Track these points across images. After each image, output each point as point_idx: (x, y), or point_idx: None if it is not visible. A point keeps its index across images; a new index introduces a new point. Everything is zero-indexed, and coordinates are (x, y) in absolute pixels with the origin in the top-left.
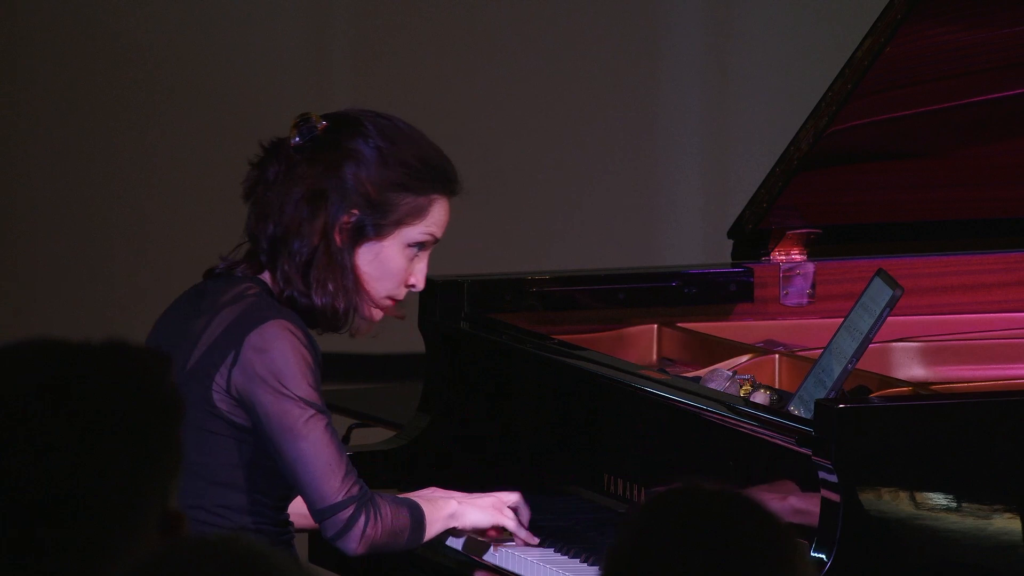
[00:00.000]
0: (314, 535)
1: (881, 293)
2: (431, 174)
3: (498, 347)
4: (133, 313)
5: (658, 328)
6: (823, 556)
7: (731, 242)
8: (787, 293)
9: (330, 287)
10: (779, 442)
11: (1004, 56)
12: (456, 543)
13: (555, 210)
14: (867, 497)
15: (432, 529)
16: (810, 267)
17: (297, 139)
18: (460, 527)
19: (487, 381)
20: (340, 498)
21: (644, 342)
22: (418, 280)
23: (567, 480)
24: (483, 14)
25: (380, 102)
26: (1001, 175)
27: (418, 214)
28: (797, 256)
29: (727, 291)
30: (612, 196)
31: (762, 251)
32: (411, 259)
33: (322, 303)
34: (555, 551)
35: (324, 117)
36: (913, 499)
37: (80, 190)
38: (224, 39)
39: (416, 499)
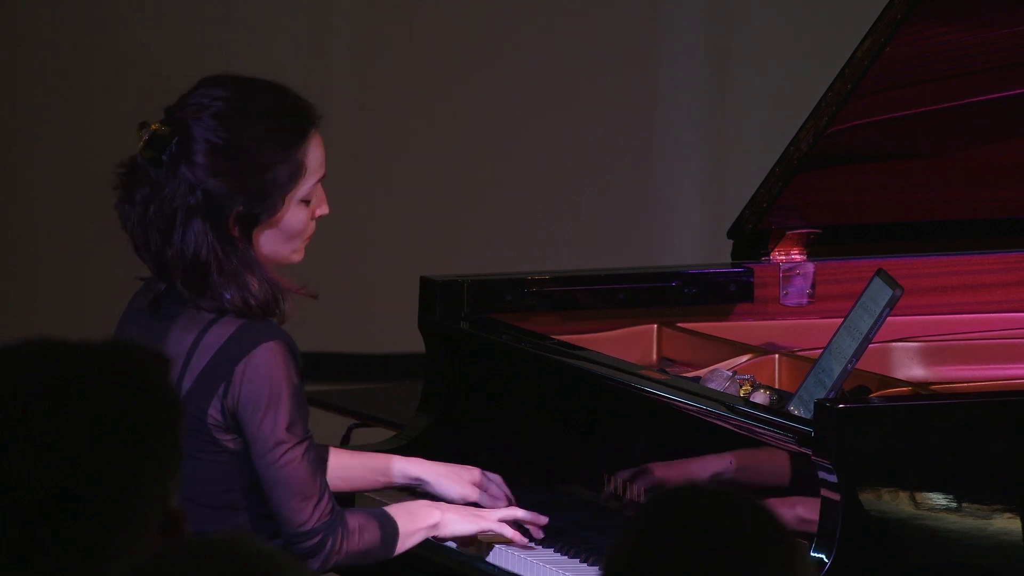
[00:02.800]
0: None
1: (881, 293)
2: (288, 129)
3: (498, 347)
4: None
5: (658, 328)
6: (823, 556)
7: (731, 242)
8: (787, 293)
9: (236, 287)
10: (779, 442)
11: (1004, 56)
12: (452, 542)
13: (555, 210)
14: (867, 497)
15: (409, 541)
16: (810, 267)
17: (150, 153)
18: (443, 536)
19: (487, 381)
20: (309, 526)
21: (644, 342)
22: (324, 209)
23: (567, 480)
24: (483, 14)
25: (380, 102)
26: (1001, 175)
27: (297, 174)
28: (797, 256)
29: (727, 291)
30: (612, 196)
31: (762, 251)
32: (310, 203)
33: (238, 303)
34: (555, 551)
35: (164, 123)
36: (913, 499)
37: (80, 190)
38: (224, 39)
39: (395, 510)
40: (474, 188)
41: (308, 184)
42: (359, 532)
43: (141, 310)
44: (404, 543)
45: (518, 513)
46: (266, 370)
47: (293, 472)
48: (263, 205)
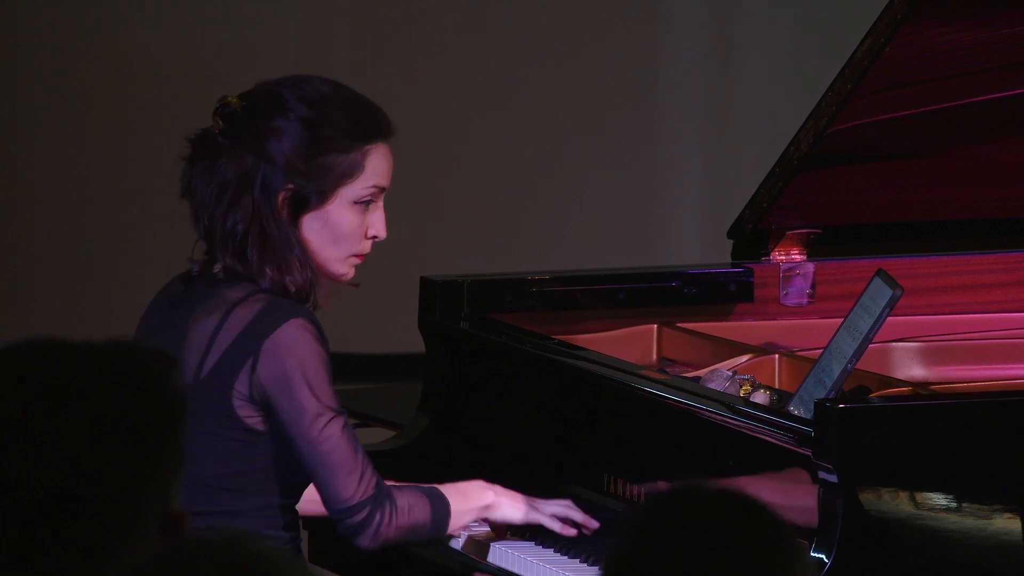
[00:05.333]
0: (315, 535)
1: (881, 293)
2: (358, 129)
3: (498, 347)
4: (133, 314)
5: (658, 328)
6: (823, 556)
7: (731, 242)
8: (787, 293)
9: (275, 266)
10: (779, 442)
11: (1004, 56)
12: (456, 543)
13: (555, 210)
14: (867, 497)
15: (460, 520)
16: (810, 267)
17: (222, 125)
18: (493, 519)
19: (487, 381)
20: (355, 500)
21: (644, 342)
22: (378, 230)
23: (567, 480)
24: (483, 14)
25: (380, 101)
26: (1001, 175)
27: (354, 171)
28: (797, 256)
29: (727, 291)
30: (612, 196)
31: (762, 251)
32: (363, 214)
33: (287, 278)
34: (555, 551)
35: (241, 97)
36: (913, 499)
37: (80, 190)
38: (224, 39)
39: (448, 489)
40: (474, 188)
41: (360, 186)
42: (408, 509)
43: (168, 299)
44: (456, 522)
45: (571, 513)
46: (294, 346)
47: (335, 446)
48: (310, 188)
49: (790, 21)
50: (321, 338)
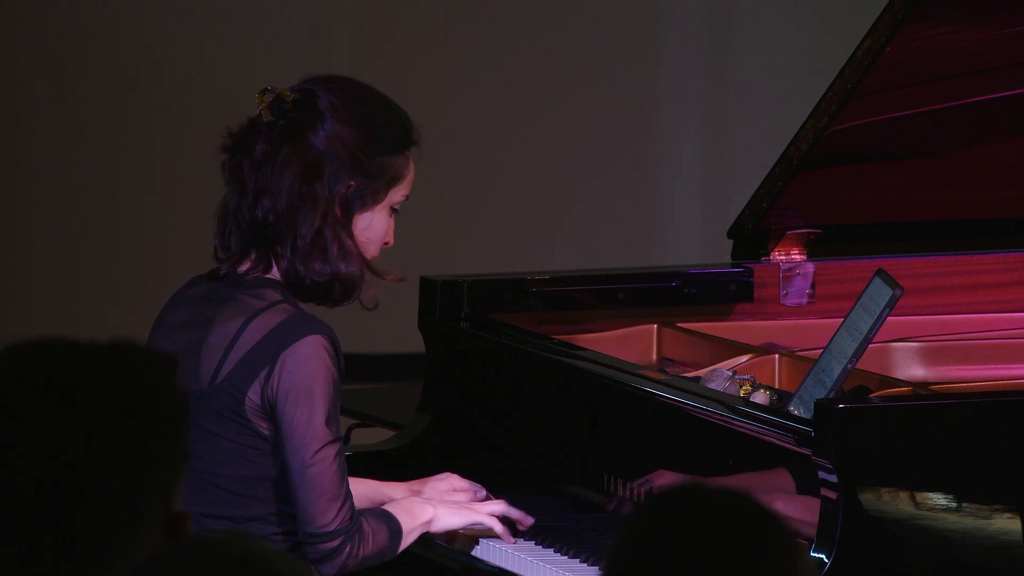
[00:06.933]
0: None
1: (881, 293)
2: (403, 132)
3: (498, 347)
4: (133, 313)
5: (658, 328)
6: (823, 556)
7: (731, 242)
8: (787, 293)
9: (343, 258)
10: (779, 442)
11: (1004, 56)
12: (467, 547)
13: (555, 210)
14: (867, 497)
15: (409, 539)
16: (810, 267)
17: (272, 116)
18: (435, 531)
19: (487, 381)
20: (331, 528)
21: (644, 342)
22: (391, 238)
23: (567, 480)
24: (483, 14)
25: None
26: (1001, 175)
27: (401, 175)
28: (797, 256)
29: (727, 291)
30: (612, 196)
31: (762, 251)
32: (390, 219)
33: (343, 272)
34: (555, 551)
35: (292, 90)
36: (913, 499)
37: (80, 190)
38: (224, 39)
39: (395, 510)
40: (474, 188)
41: (402, 191)
42: (372, 536)
43: (191, 296)
44: (406, 541)
45: (509, 511)
46: (308, 362)
47: (324, 472)
48: (369, 186)
49: (790, 21)
50: (336, 358)
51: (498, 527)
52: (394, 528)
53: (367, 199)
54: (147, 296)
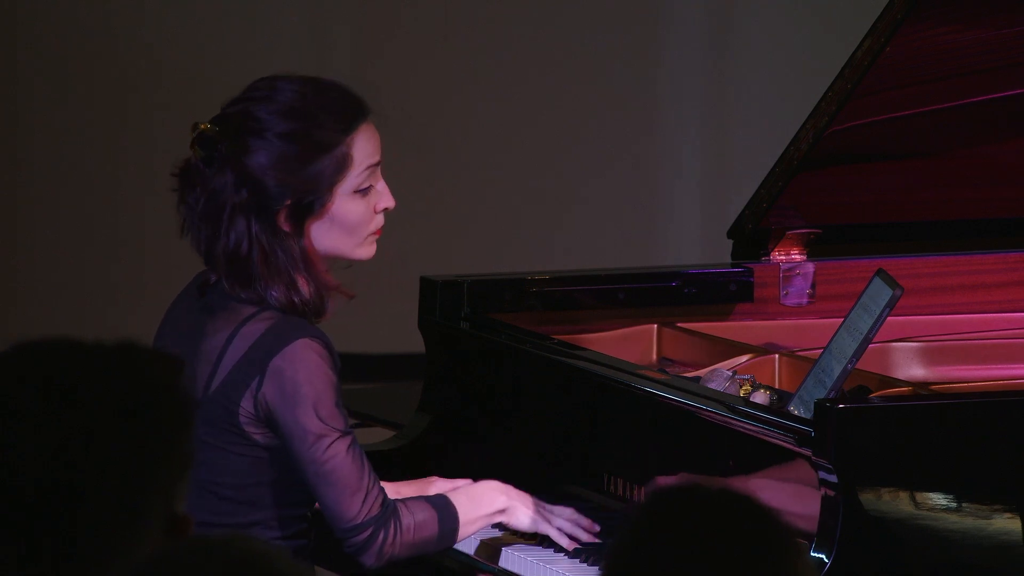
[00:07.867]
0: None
1: (881, 293)
2: (336, 121)
3: (498, 347)
4: (133, 313)
5: (658, 328)
6: (823, 556)
7: (731, 242)
8: (787, 293)
9: (282, 285)
10: (779, 442)
11: (1004, 56)
12: (467, 546)
13: (555, 210)
14: (867, 497)
15: (470, 529)
16: (810, 267)
17: (201, 154)
18: (507, 524)
19: (487, 381)
20: (359, 520)
21: (644, 342)
22: (386, 202)
23: (567, 480)
24: (483, 14)
25: (380, 101)
26: (1001, 175)
27: (344, 166)
28: (797, 256)
29: (727, 291)
30: (612, 196)
31: (762, 251)
32: (366, 197)
33: (284, 301)
34: (555, 551)
35: (214, 122)
36: (913, 499)
37: (80, 190)
38: (224, 39)
39: (459, 496)
40: (474, 188)
41: (355, 175)
42: (415, 527)
43: (190, 301)
44: (464, 531)
45: (580, 522)
46: (301, 366)
47: (339, 466)
48: (310, 198)
49: (790, 21)
50: (329, 357)
51: (565, 542)
52: (447, 518)
53: (313, 208)
54: (147, 296)
